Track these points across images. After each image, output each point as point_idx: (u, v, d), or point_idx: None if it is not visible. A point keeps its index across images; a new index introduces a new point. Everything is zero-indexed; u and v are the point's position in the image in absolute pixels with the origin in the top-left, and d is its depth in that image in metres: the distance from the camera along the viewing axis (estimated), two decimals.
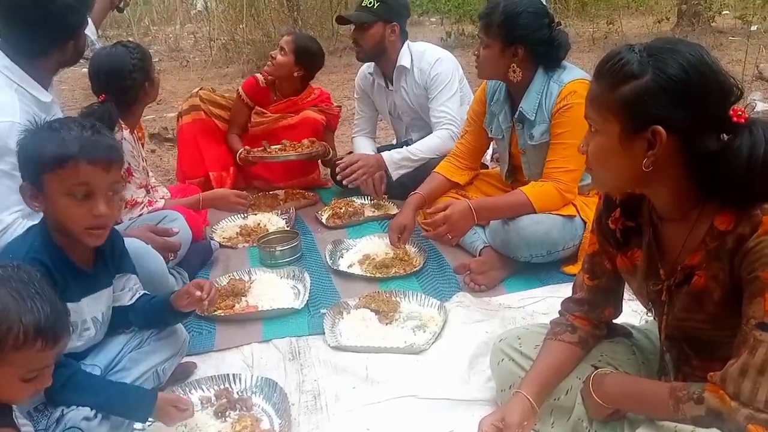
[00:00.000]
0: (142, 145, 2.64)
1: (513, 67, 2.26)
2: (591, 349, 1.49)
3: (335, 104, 3.70)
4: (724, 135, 1.12)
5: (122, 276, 1.70)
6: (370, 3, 3.01)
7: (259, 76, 3.56)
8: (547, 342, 1.50)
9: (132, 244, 1.92)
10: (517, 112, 2.34)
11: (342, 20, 3.32)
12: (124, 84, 2.32)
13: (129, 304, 1.70)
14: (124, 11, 3.02)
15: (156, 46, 10.45)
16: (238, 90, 3.57)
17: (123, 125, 2.33)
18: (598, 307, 1.48)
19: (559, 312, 1.55)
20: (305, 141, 3.31)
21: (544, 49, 2.23)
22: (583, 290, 1.49)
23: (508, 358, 1.57)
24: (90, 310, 1.57)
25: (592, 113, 1.20)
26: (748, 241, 1.10)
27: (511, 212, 2.25)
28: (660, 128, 1.11)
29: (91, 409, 1.46)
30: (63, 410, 1.46)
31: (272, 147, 3.29)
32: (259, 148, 3.30)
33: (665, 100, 1.11)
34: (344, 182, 3.06)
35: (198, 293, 1.59)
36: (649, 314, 1.42)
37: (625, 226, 1.36)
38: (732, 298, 1.16)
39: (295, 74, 3.41)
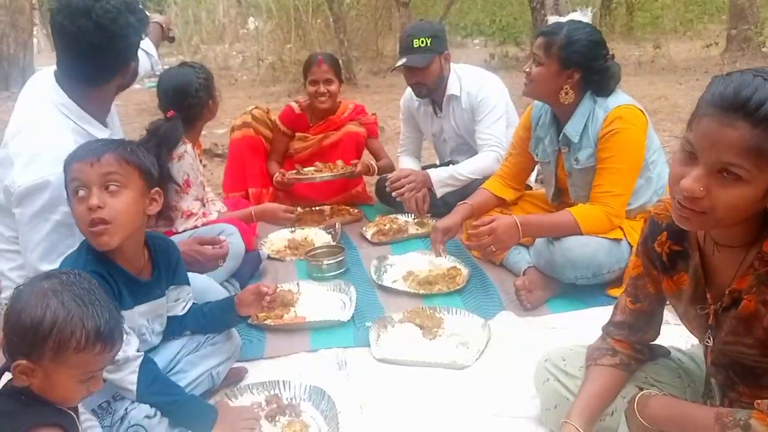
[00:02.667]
0: (201, 160, 2.77)
1: (566, 89, 2.28)
2: (634, 371, 1.49)
3: (371, 113, 3.77)
4: None
5: (176, 287, 1.77)
6: (422, 42, 3.03)
7: (293, 104, 3.65)
8: (589, 369, 1.50)
9: (195, 279, 2.02)
10: (562, 135, 2.37)
11: (397, 66, 3.21)
12: (190, 102, 2.48)
13: (182, 314, 1.79)
14: (175, 40, 3.17)
15: (205, 65, 10.80)
16: (275, 120, 3.66)
17: (185, 139, 2.46)
18: (639, 330, 1.48)
19: (600, 336, 1.55)
20: (339, 162, 3.40)
21: (597, 78, 2.26)
22: (625, 313, 1.49)
23: (553, 377, 1.59)
24: (143, 318, 1.65)
25: (745, 164, 1.04)
26: None
27: (557, 232, 2.27)
28: None
29: (152, 407, 1.55)
30: (126, 408, 1.56)
31: (306, 169, 3.38)
32: (292, 171, 3.38)
33: None
34: (393, 194, 3.10)
35: (264, 289, 1.67)
36: (695, 339, 1.41)
37: (671, 250, 1.34)
38: None
39: (338, 93, 3.53)
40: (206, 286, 2.13)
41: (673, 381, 1.51)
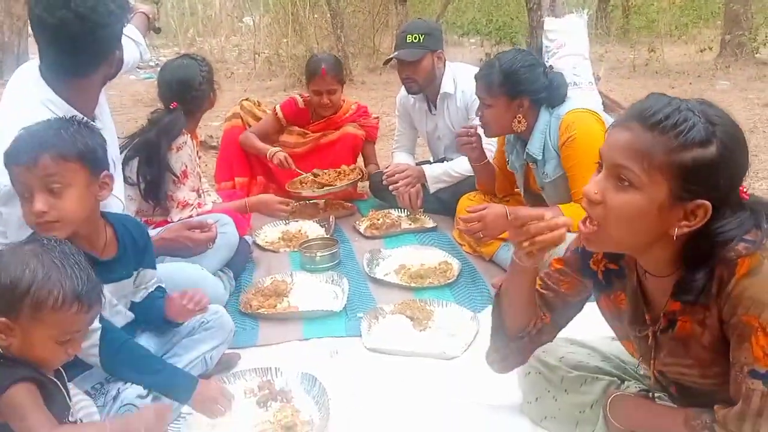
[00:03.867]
0: (197, 151, 2.80)
1: (518, 118, 2.34)
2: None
3: (373, 116, 3.79)
4: (729, 210, 1.10)
5: (144, 272, 1.76)
6: (415, 38, 3.07)
7: (298, 97, 3.67)
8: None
9: (187, 270, 2.08)
10: (525, 154, 2.42)
11: (389, 60, 3.31)
12: (194, 94, 2.54)
13: (139, 301, 1.78)
14: (161, 30, 3.17)
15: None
16: (274, 107, 3.68)
17: (184, 131, 2.50)
18: (539, 305, 1.44)
19: None
20: (344, 167, 3.43)
21: (546, 94, 2.32)
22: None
23: (534, 370, 1.63)
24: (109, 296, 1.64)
25: (635, 167, 1.07)
26: (728, 286, 1.09)
27: None
28: (707, 204, 1.06)
29: (139, 383, 1.58)
30: (119, 389, 1.59)
31: (304, 175, 3.38)
32: (306, 174, 3.38)
33: (720, 176, 1.06)
34: (390, 188, 3.14)
35: (190, 305, 1.67)
36: (643, 362, 1.38)
37: (607, 268, 1.32)
38: (721, 344, 1.15)
39: (341, 96, 3.56)
40: (199, 276, 2.16)
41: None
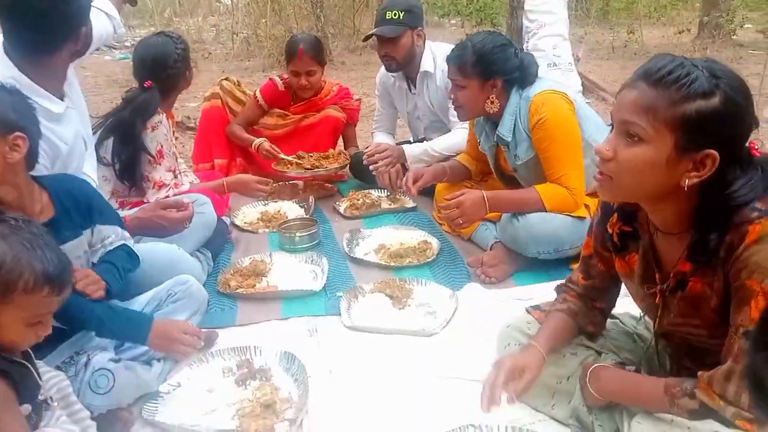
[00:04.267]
0: (173, 132, 2.76)
1: (491, 99, 2.34)
2: (582, 324, 1.55)
3: (355, 98, 3.76)
4: (739, 167, 1.14)
5: (98, 229, 1.72)
6: (395, 15, 3.04)
7: (277, 79, 3.62)
8: (549, 313, 1.58)
9: (163, 250, 2.03)
10: (496, 136, 2.42)
11: (369, 37, 3.28)
12: (168, 72, 2.49)
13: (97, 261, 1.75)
14: (137, 3, 3.12)
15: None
16: (254, 92, 3.63)
17: (160, 110, 2.47)
18: (589, 299, 1.56)
19: (558, 293, 1.63)
20: (331, 150, 3.41)
21: (518, 74, 2.32)
22: (578, 285, 1.57)
23: (515, 341, 1.66)
24: None
25: (641, 121, 1.12)
26: (737, 250, 1.12)
27: (523, 207, 2.33)
28: (715, 153, 1.10)
29: (91, 331, 1.60)
30: (89, 355, 1.59)
31: (288, 157, 3.32)
32: (291, 157, 3.32)
33: (726, 126, 1.09)
34: (370, 168, 3.12)
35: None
36: (646, 317, 1.46)
37: (621, 231, 1.38)
38: (727, 307, 1.18)
39: (321, 78, 3.52)
40: (176, 257, 2.13)
41: (630, 345, 1.59)
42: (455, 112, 3.08)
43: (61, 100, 1.87)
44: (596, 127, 2.38)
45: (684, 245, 1.23)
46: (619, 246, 1.39)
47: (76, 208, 1.67)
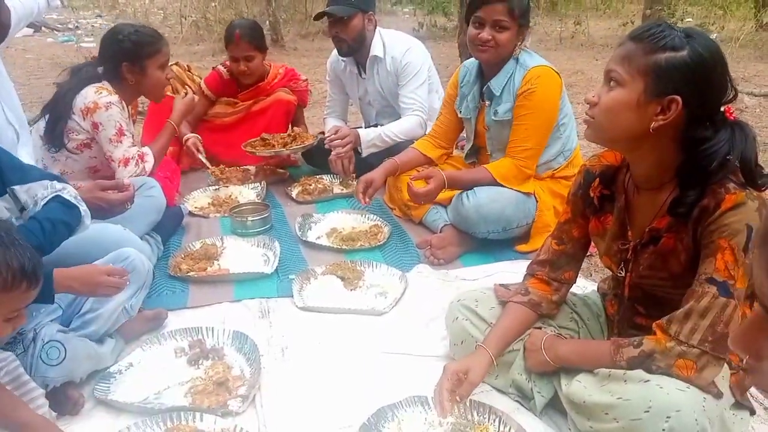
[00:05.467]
0: (134, 120, 2.75)
1: (518, 44, 2.43)
2: (544, 312, 1.65)
3: (302, 78, 3.74)
4: (712, 126, 1.27)
5: (21, 188, 1.64)
6: None
7: (221, 68, 3.59)
8: (506, 305, 1.67)
9: (110, 231, 1.99)
10: (486, 87, 2.49)
11: (320, 16, 3.29)
12: (113, 48, 2.52)
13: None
14: None
15: (123, 20, 10.31)
16: (200, 83, 3.60)
17: (111, 90, 2.48)
18: (559, 268, 1.65)
19: (524, 275, 1.72)
20: (297, 129, 3.40)
21: (526, 26, 2.43)
22: (548, 253, 1.67)
23: (463, 317, 1.73)
24: None
25: (620, 68, 1.29)
26: (712, 215, 1.26)
27: (474, 183, 2.44)
28: (678, 98, 1.24)
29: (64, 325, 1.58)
30: (35, 329, 1.58)
31: (253, 140, 3.29)
32: (255, 139, 3.28)
33: (691, 77, 1.24)
34: (333, 152, 3.11)
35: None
36: (618, 273, 1.55)
37: (601, 194, 1.54)
38: (693, 261, 1.33)
39: (264, 61, 3.51)
40: (122, 236, 2.08)
41: (568, 324, 1.70)
42: (406, 99, 3.18)
43: None
44: (568, 114, 2.53)
45: (660, 203, 1.37)
46: (597, 207, 1.55)
47: None
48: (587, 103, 1.36)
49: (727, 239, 1.25)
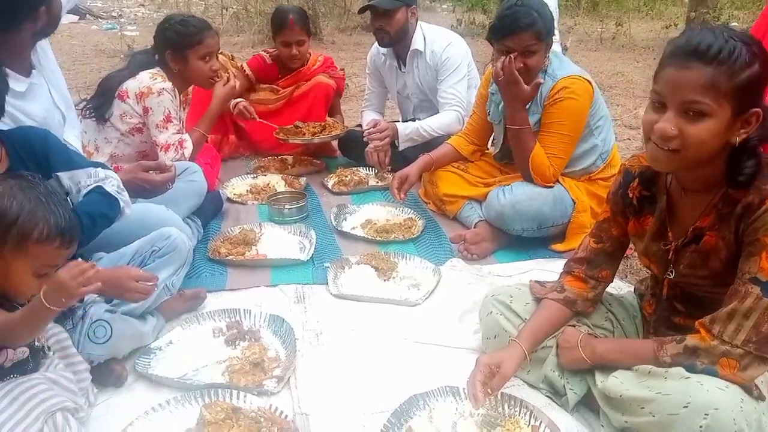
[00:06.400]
0: (184, 108, 2.82)
1: (546, 57, 2.38)
2: (579, 311, 1.65)
3: (339, 68, 3.81)
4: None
5: (65, 175, 1.68)
6: None
7: (264, 54, 3.67)
8: (541, 301, 1.67)
9: (152, 211, 2.05)
10: None
11: (364, 9, 3.33)
12: (160, 35, 2.63)
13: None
14: None
15: (166, 10, 10.51)
16: (242, 65, 3.67)
17: (165, 77, 2.57)
18: (596, 266, 1.65)
19: (561, 273, 1.71)
20: (329, 119, 3.45)
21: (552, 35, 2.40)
22: (586, 251, 1.67)
23: (497, 311, 1.74)
24: None
25: (706, 99, 1.21)
26: (757, 211, 1.25)
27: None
28: (759, 111, 1.24)
29: (108, 303, 1.63)
30: (85, 308, 1.64)
31: (287, 128, 3.38)
32: (288, 126, 3.36)
33: (763, 84, 1.25)
34: (370, 144, 3.13)
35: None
36: (659, 274, 1.55)
37: (641, 195, 1.53)
38: (734, 259, 1.32)
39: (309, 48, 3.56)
40: (166, 216, 2.14)
41: (603, 323, 1.69)
42: (445, 94, 3.19)
43: (27, 76, 1.87)
44: (603, 117, 2.51)
45: (705, 202, 1.37)
46: (637, 208, 1.54)
47: (32, 158, 1.63)
48: (662, 135, 1.26)
49: None
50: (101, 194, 1.71)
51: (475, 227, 2.61)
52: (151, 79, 2.53)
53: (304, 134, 3.30)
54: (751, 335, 1.26)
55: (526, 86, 2.34)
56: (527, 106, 2.44)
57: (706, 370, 1.29)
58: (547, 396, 1.64)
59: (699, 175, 1.37)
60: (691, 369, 1.30)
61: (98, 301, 1.64)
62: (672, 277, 1.48)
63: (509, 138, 2.48)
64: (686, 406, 1.24)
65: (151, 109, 2.52)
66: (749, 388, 1.27)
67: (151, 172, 2.09)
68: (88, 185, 1.71)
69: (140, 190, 2.06)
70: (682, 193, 1.44)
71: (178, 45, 2.57)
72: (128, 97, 2.54)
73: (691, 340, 1.33)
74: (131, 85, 2.54)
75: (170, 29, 2.58)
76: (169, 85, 2.55)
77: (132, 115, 2.55)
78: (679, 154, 1.28)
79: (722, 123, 1.24)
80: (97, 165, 1.78)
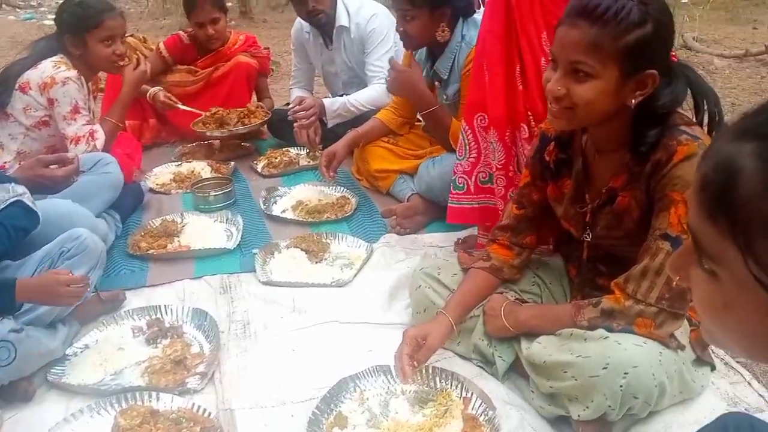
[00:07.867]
0: (94, 96, 2.66)
1: (442, 27, 2.31)
2: (505, 277, 1.63)
3: (263, 47, 3.66)
4: (666, 78, 1.24)
5: None
6: None
7: (182, 33, 3.50)
8: (468, 271, 1.65)
9: (57, 207, 1.93)
10: (432, 71, 2.43)
11: None
12: (62, 15, 2.45)
13: None
14: None
15: None
16: (158, 45, 3.49)
17: (70, 65, 2.39)
18: (520, 233, 1.63)
19: (486, 241, 1.69)
20: (249, 106, 3.31)
21: (462, 3, 2.32)
22: (510, 218, 1.64)
23: (425, 284, 1.71)
24: None
25: (589, 59, 1.20)
26: (665, 168, 1.24)
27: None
28: (655, 72, 1.21)
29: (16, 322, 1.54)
30: None
31: (203, 113, 3.22)
32: (206, 113, 3.21)
33: (660, 47, 1.22)
34: (295, 123, 3.03)
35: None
36: (578, 236, 1.54)
37: (557, 158, 1.50)
38: (647, 217, 1.31)
39: (227, 26, 3.41)
40: (72, 211, 2.01)
41: (530, 288, 1.68)
42: (372, 67, 3.11)
43: None
44: None
45: (617, 162, 1.35)
46: (554, 172, 1.52)
47: None
48: (551, 96, 1.26)
49: (680, 192, 1.23)
50: (22, 208, 1.66)
51: (408, 201, 2.57)
52: (54, 68, 2.36)
53: (223, 124, 3.16)
54: (664, 292, 1.26)
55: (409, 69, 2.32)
56: (443, 80, 2.38)
57: (623, 330, 1.28)
58: (479, 366, 1.62)
59: (606, 134, 1.35)
60: (609, 330, 1.30)
61: (2, 321, 1.51)
62: (589, 239, 1.47)
63: (425, 122, 2.42)
64: (605, 367, 1.23)
65: (56, 100, 2.35)
66: (666, 342, 1.27)
67: (52, 166, 1.96)
68: (6, 199, 1.65)
69: (42, 186, 1.93)
70: (595, 155, 1.42)
71: (76, 28, 2.39)
72: (30, 88, 2.36)
73: (606, 302, 1.32)
74: (33, 76, 2.36)
75: (67, 12, 2.40)
76: (74, 73, 2.38)
77: (36, 108, 2.38)
78: (572, 111, 1.26)
79: (610, 84, 1.21)
80: (11, 180, 1.73)
